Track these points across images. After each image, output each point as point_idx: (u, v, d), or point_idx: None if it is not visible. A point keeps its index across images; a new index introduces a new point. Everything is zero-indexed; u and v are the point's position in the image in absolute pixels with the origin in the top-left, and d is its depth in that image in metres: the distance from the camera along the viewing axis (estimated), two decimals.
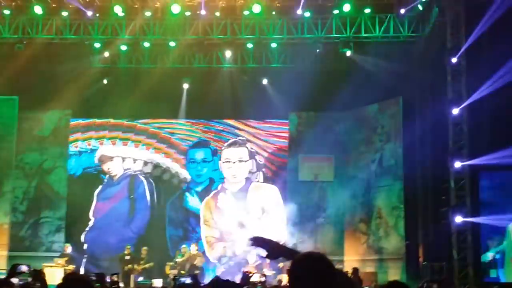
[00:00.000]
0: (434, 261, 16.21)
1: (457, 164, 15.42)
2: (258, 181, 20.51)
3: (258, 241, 3.54)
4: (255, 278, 14.55)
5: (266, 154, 20.57)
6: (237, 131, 20.69)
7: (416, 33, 17.55)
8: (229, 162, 20.55)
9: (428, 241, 17.21)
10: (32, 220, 20.13)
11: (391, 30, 17.60)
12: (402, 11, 17.25)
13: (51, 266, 16.55)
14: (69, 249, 18.70)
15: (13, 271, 6.67)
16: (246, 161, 20.54)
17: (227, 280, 4.39)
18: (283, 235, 19.50)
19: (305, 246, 18.75)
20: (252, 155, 20.57)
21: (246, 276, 5.88)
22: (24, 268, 7.97)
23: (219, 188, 20.49)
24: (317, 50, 18.44)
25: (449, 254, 15.36)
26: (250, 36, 18.04)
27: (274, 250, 3.54)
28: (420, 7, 16.99)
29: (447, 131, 15.71)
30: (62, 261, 17.47)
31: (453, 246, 15.33)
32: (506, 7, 13.87)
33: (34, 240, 20.01)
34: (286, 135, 20.55)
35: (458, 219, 15.21)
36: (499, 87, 14.16)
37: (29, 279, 7.88)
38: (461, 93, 15.54)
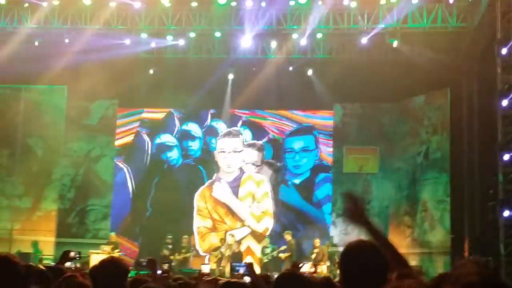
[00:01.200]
0: (480, 256, 15.99)
1: (506, 157, 15.14)
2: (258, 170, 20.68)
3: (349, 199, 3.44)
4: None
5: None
6: (282, 121, 20.74)
7: (465, 23, 17.24)
8: (224, 152, 20.66)
9: (474, 235, 16.97)
10: (79, 207, 20.59)
11: (439, 20, 17.32)
12: (452, 1, 16.97)
13: (97, 253, 16.90)
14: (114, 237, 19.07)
15: (65, 257, 6.91)
16: (240, 151, 20.63)
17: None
18: (270, 223, 20.06)
19: (349, 238, 18.74)
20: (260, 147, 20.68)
21: (249, 267, 5.68)
22: (73, 254, 8.21)
23: (214, 178, 20.62)
24: (363, 41, 18.26)
25: (496, 249, 15.12)
26: (295, 27, 18.01)
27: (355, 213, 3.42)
28: None
29: (496, 123, 15.43)
30: (108, 248, 17.83)
31: (500, 241, 15.09)
32: None
33: (81, 227, 20.46)
34: (331, 126, 20.48)
35: (506, 213, 14.96)
36: None
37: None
38: (511, 85, 15.23)
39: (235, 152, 20.70)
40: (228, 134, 20.82)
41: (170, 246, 18.81)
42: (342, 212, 3.58)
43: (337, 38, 18.69)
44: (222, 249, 18.89)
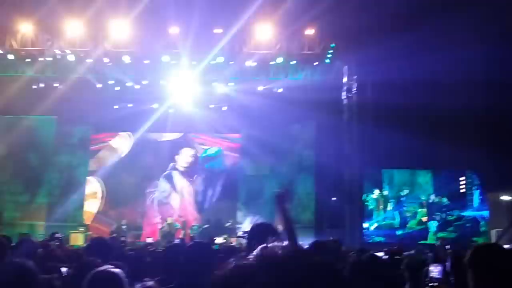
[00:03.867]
0: (333, 228, 16.59)
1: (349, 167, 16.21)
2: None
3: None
4: None
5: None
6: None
7: (324, 77, 17.75)
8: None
9: (329, 216, 17.64)
10: (62, 200, 19.66)
11: (309, 75, 17.89)
12: (316, 63, 17.64)
13: (75, 232, 16.52)
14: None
15: (51, 236, 6.92)
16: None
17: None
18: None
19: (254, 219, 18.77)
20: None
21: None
22: (58, 234, 8.17)
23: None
24: (259, 89, 18.59)
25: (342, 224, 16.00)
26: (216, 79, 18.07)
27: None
28: (328, 61, 17.41)
29: (343, 141, 16.55)
30: (83, 229, 17.41)
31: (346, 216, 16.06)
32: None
33: (64, 214, 19.51)
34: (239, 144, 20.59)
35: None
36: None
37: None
38: (352, 114, 16.48)
39: None
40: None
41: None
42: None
43: (241, 87, 18.78)
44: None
